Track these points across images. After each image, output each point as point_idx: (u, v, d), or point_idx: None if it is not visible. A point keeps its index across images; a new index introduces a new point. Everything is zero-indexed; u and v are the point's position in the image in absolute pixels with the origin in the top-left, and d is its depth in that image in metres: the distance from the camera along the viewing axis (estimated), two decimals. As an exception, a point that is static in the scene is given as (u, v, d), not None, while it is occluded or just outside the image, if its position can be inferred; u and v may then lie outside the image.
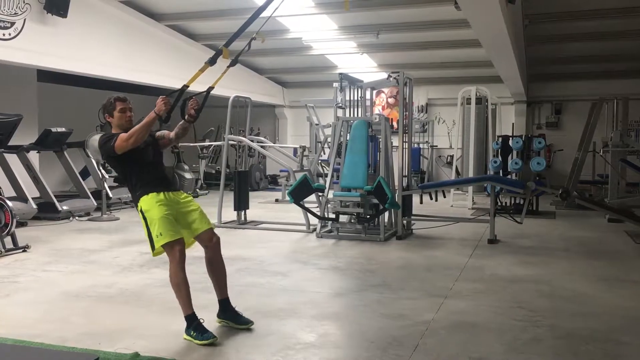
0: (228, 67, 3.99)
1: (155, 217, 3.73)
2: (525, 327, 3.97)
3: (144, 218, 3.80)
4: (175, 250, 3.69)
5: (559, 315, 4.27)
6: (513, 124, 14.45)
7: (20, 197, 8.41)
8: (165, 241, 3.69)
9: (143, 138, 3.74)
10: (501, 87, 13.13)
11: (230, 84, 12.07)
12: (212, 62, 3.80)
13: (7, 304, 4.55)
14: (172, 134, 4.04)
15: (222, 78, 3.81)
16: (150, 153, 3.97)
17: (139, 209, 3.84)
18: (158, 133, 4.06)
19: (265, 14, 4.05)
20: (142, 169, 3.89)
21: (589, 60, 13.11)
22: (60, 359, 3.14)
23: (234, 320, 3.93)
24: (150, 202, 3.78)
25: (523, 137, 10.32)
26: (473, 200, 10.95)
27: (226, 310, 3.95)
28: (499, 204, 9.56)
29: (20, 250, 6.50)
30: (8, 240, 6.49)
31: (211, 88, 3.90)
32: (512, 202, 10.03)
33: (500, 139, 10.61)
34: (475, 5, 6.38)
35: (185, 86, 3.74)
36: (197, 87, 3.85)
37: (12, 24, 7.78)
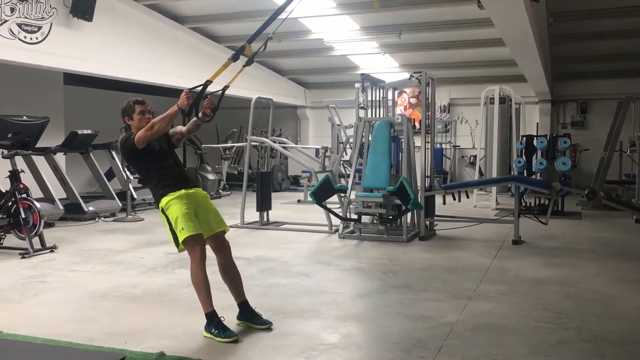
0: (244, 66, 4.05)
1: (176, 213, 3.81)
2: (551, 330, 3.93)
3: (166, 216, 3.88)
4: (197, 249, 3.76)
5: (586, 317, 4.21)
6: (537, 123, 14.27)
7: (48, 198, 8.56)
8: (188, 234, 3.75)
9: (165, 128, 3.84)
10: (525, 87, 12.98)
11: (253, 85, 12.15)
12: (235, 58, 3.84)
13: (35, 304, 4.63)
14: (184, 129, 4.12)
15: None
16: (168, 153, 4.06)
17: (160, 208, 3.92)
18: (170, 131, 4.12)
19: (284, 14, 4.08)
20: (162, 169, 3.97)
21: (615, 58, 12.89)
22: (88, 358, 3.19)
23: (252, 321, 3.95)
24: (170, 200, 3.86)
25: (548, 136, 10.19)
26: (496, 201, 10.84)
27: (245, 311, 3.99)
28: (524, 204, 9.45)
29: (48, 251, 6.62)
30: (36, 240, 6.63)
31: (226, 87, 3.93)
32: (537, 202, 9.91)
33: (524, 139, 10.49)
34: (498, 3, 6.32)
35: (209, 81, 3.78)
36: (214, 87, 3.87)
37: (39, 28, 7.93)
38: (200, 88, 3.79)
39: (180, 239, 3.78)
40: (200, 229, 3.84)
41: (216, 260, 4.02)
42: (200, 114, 3.86)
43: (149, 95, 14.22)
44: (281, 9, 4.06)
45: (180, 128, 4.14)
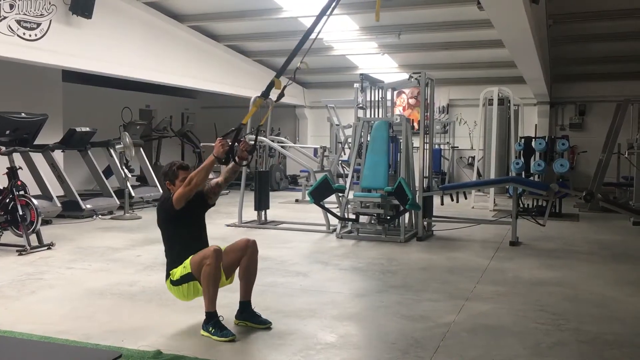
0: (275, 100, 3.98)
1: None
2: (549, 331, 3.93)
3: (172, 282, 3.87)
4: (212, 248, 3.70)
5: (583, 319, 4.21)
6: (536, 125, 14.29)
7: (45, 195, 8.54)
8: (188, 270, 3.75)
9: (203, 181, 3.71)
10: (524, 88, 12.99)
11: (252, 85, 12.13)
12: (265, 95, 3.79)
13: (33, 301, 4.62)
14: (220, 179, 3.98)
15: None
16: (200, 220, 3.98)
17: (169, 278, 3.89)
18: (205, 188, 3.96)
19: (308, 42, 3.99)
20: (188, 241, 3.84)
21: (614, 60, 12.92)
22: (85, 355, 3.18)
23: (252, 320, 3.94)
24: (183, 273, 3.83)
25: (546, 138, 10.20)
26: (494, 202, 10.85)
27: (245, 310, 3.98)
28: (521, 205, 9.45)
29: (45, 248, 6.60)
30: (33, 237, 6.62)
31: (260, 126, 3.87)
32: (535, 204, 9.92)
33: (522, 140, 10.51)
34: (498, 5, 6.32)
35: (242, 124, 3.68)
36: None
37: (38, 25, 7.91)
38: (233, 133, 3.67)
39: (187, 271, 3.76)
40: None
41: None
42: (237, 159, 3.75)
43: (148, 93, 14.22)
44: (306, 36, 3.98)
45: (216, 180, 3.97)
